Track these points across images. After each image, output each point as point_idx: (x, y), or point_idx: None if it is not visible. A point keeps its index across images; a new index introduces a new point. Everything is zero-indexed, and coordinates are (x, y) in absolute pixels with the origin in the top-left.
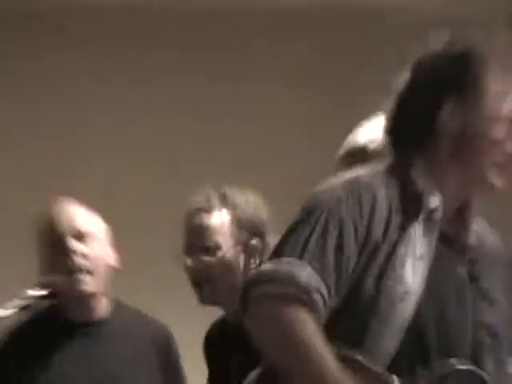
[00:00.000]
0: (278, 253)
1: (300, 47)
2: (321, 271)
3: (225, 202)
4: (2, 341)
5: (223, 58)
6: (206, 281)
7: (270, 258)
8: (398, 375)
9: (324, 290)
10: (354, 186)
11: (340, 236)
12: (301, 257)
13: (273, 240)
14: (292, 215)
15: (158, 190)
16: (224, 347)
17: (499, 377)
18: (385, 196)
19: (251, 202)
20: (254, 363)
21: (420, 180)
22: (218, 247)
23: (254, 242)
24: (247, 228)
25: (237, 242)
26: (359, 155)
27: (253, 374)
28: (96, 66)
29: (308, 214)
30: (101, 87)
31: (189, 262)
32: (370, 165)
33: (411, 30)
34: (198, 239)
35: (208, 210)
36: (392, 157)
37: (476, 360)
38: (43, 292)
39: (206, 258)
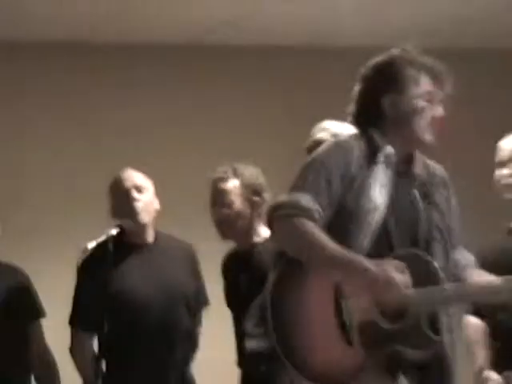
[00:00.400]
0: (292, 188)
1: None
2: (316, 197)
3: (235, 173)
4: (90, 254)
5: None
6: (225, 224)
7: (291, 190)
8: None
9: (319, 209)
10: (336, 143)
11: (328, 175)
12: (302, 190)
13: (269, 197)
14: (281, 182)
15: (192, 167)
16: (235, 269)
17: (445, 263)
18: (357, 148)
19: (253, 173)
20: (255, 280)
21: (377, 139)
22: (231, 203)
23: (256, 198)
24: (251, 190)
25: (244, 199)
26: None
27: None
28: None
29: (308, 165)
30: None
31: (215, 211)
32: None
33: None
34: (219, 198)
35: (225, 178)
36: (361, 131)
37: (428, 250)
38: (117, 229)
39: (225, 210)
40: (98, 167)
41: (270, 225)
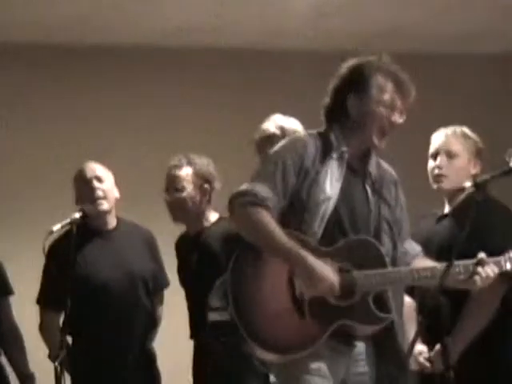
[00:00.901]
0: (251, 179)
1: None
2: (273, 188)
3: (189, 162)
4: (57, 239)
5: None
6: (177, 208)
7: (251, 180)
8: (325, 246)
9: (274, 199)
10: (294, 139)
11: (284, 168)
12: (261, 180)
13: (218, 185)
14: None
15: (150, 156)
16: (186, 250)
17: (393, 252)
18: (313, 144)
19: (205, 162)
20: (204, 260)
21: (334, 136)
22: (183, 188)
23: (206, 186)
24: (202, 178)
25: (195, 186)
26: (269, 139)
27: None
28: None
29: (268, 159)
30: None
31: (168, 196)
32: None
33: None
34: (172, 183)
35: (178, 166)
36: (325, 126)
37: (377, 238)
38: (80, 213)
39: (177, 194)
40: (64, 156)
41: (230, 210)
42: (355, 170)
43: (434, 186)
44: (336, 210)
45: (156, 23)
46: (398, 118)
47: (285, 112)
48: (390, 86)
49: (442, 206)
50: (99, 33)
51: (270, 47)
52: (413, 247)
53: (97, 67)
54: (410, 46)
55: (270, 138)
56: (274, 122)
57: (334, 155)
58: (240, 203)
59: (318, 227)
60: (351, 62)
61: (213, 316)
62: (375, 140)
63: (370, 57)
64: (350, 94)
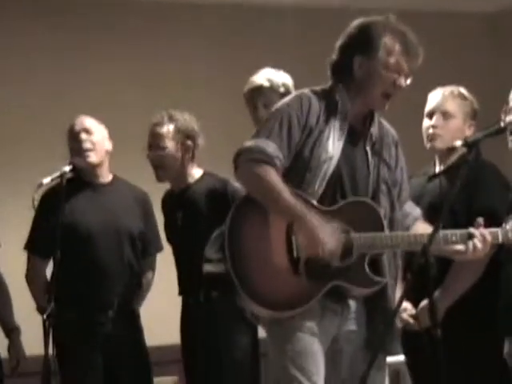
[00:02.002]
0: (255, 135)
1: None
2: (278, 145)
3: (171, 118)
4: (49, 189)
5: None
6: (159, 166)
7: (254, 136)
8: (324, 206)
9: (280, 156)
10: (298, 96)
11: (289, 124)
12: (267, 137)
13: (202, 142)
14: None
15: (135, 110)
16: (172, 207)
17: (391, 215)
18: (318, 102)
19: (188, 119)
20: (189, 217)
21: (338, 95)
22: (165, 146)
23: (189, 143)
24: (184, 135)
25: (177, 143)
26: (257, 90)
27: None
28: None
29: (273, 115)
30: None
31: (150, 154)
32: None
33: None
34: (154, 141)
35: (160, 123)
36: (331, 84)
37: (375, 200)
38: (70, 167)
39: (159, 152)
40: (57, 108)
41: (235, 166)
42: (357, 131)
43: (428, 145)
44: (337, 170)
45: None
46: (404, 81)
47: (274, 66)
48: (397, 48)
49: (433, 166)
50: None
51: (262, 2)
52: (413, 210)
53: (91, 19)
54: (400, 3)
55: (258, 90)
56: (263, 75)
57: (338, 115)
58: (247, 160)
59: (319, 187)
60: (359, 22)
61: (208, 267)
62: (379, 102)
63: (377, 17)
64: (356, 54)
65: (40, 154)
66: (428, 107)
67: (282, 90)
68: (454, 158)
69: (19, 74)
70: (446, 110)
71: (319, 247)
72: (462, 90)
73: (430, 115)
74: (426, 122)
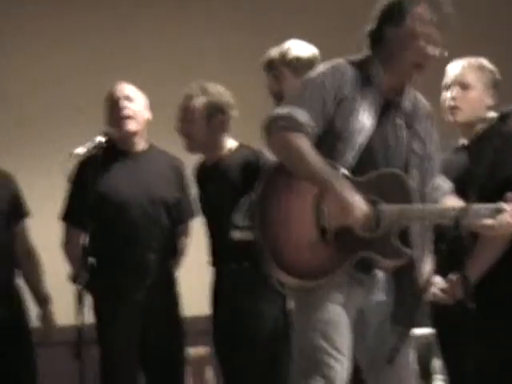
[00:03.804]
0: (287, 102)
1: None
2: (311, 113)
3: (203, 91)
4: (84, 159)
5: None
6: (189, 138)
7: (285, 104)
8: (355, 175)
9: (313, 125)
10: (332, 65)
11: (323, 94)
12: (300, 105)
13: (235, 113)
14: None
15: (171, 87)
16: (204, 179)
17: (420, 188)
18: (352, 72)
19: (220, 91)
20: (222, 190)
21: (373, 67)
22: (194, 119)
23: (220, 115)
24: (216, 107)
25: (208, 115)
26: (268, 63)
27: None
28: None
29: (305, 84)
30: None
31: (180, 127)
32: (349, 56)
33: None
34: (185, 114)
35: (192, 96)
36: (367, 54)
37: (406, 172)
38: (105, 137)
39: (189, 125)
40: (90, 79)
41: (266, 133)
42: (390, 103)
43: (449, 119)
44: (369, 141)
45: None
46: (435, 51)
47: (302, 36)
48: (427, 17)
49: (458, 138)
50: None
51: None
52: (444, 183)
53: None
54: None
55: (269, 63)
56: (277, 48)
57: (372, 87)
58: (277, 127)
59: (351, 157)
60: None
61: (236, 234)
62: (409, 72)
63: None
64: (388, 22)
65: (71, 126)
66: (446, 79)
67: (295, 63)
68: (478, 130)
69: (49, 50)
70: (463, 80)
71: (348, 214)
72: (482, 61)
73: (448, 87)
74: (445, 94)
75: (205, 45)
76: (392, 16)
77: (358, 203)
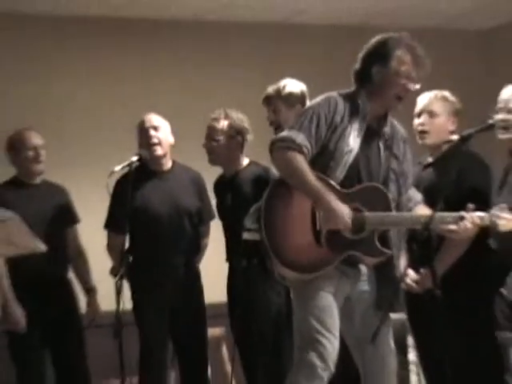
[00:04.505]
0: (289, 128)
1: None
2: (308, 137)
3: (226, 116)
4: (122, 176)
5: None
6: (212, 154)
7: (288, 129)
8: (344, 188)
9: (308, 146)
10: (326, 97)
11: (318, 121)
12: (299, 130)
13: (250, 137)
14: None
15: (195, 113)
16: (223, 189)
17: (398, 200)
18: (343, 103)
19: (240, 117)
20: (238, 198)
21: (360, 99)
22: (218, 139)
23: (239, 137)
24: (235, 130)
25: (229, 137)
26: (266, 99)
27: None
28: None
29: (305, 112)
30: None
31: (205, 143)
32: (342, 90)
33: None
34: (210, 133)
35: (217, 119)
36: (354, 88)
37: (386, 186)
38: (137, 157)
39: (213, 143)
40: (125, 110)
41: (271, 152)
42: (373, 129)
43: (419, 141)
44: (355, 160)
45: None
46: (413, 86)
47: (300, 77)
48: (408, 59)
49: (427, 157)
50: (155, 9)
51: (291, 23)
52: (415, 195)
53: (153, 39)
54: (408, 22)
55: (267, 98)
56: (274, 85)
57: (359, 116)
58: (279, 147)
59: (340, 173)
60: (378, 37)
61: (246, 235)
62: (392, 103)
63: (393, 34)
64: (374, 63)
65: (111, 146)
66: (417, 108)
67: (288, 98)
68: (443, 150)
69: (97, 78)
70: (431, 109)
71: (336, 220)
72: (446, 93)
73: (419, 115)
74: (416, 121)
75: (221, 80)
76: (378, 57)
77: (344, 211)
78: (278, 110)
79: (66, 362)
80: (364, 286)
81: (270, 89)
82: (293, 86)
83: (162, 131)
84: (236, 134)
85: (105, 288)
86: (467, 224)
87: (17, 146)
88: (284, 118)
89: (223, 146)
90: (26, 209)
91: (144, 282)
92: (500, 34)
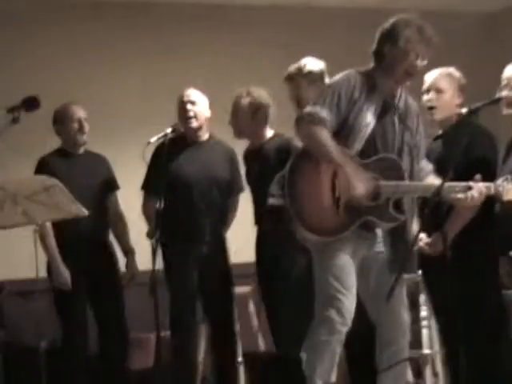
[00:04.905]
0: (314, 103)
1: None
2: (330, 112)
3: (248, 93)
4: (160, 144)
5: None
6: (237, 129)
7: (312, 104)
8: (362, 159)
9: (330, 120)
10: (346, 75)
11: (339, 96)
12: (322, 105)
13: (273, 111)
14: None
15: (226, 92)
16: (250, 160)
17: (411, 169)
18: (361, 80)
19: (261, 94)
20: (263, 168)
21: (377, 76)
22: (241, 115)
23: (261, 112)
24: (257, 106)
25: (252, 112)
26: (289, 77)
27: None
28: None
29: (326, 90)
30: None
31: (231, 120)
32: (361, 67)
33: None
34: (234, 110)
35: (240, 96)
36: (372, 66)
37: (400, 157)
38: (171, 129)
39: (237, 119)
40: (166, 81)
41: (297, 126)
42: (388, 104)
43: (428, 117)
44: (372, 133)
45: None
46: (421, 63)
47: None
48: (415, 38)
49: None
50: None
51: (310, 5)
52: (426, 165)
53: (188, 22)
54: (419, 4)
55: (289, 76)
56: (295, 64)
57: (375, 92)
58: (305, 122)
59: (359, 145)
60: (391, 19)
61: (272, 200)
62: (402, 79)
63: (404, 15)
64: (386, 43)
65: (148, 119)
66: (425, 86)
67: (309, 75)
68: (452, 122)
69: (139, 60)
70: (438, 86)
71: (356, 187)
72: (451, 70)
73: (427, 91)
74: (424, 97)
75: (250, 60)
76: (389, 38)
77: (360, 181)
78: (299, 87)
79: (106, 318)
80: (379, 247)
81: (292, 67)
82: (313, 64)
83: (199, 105)
84: (258, 109)
85: (142, 249)
86: (474, 193)
87: (62, 119)
88: (305, 93)
89: (245, 122)
90: (72, 177)
91: (174, 244)
92: (507, 16)
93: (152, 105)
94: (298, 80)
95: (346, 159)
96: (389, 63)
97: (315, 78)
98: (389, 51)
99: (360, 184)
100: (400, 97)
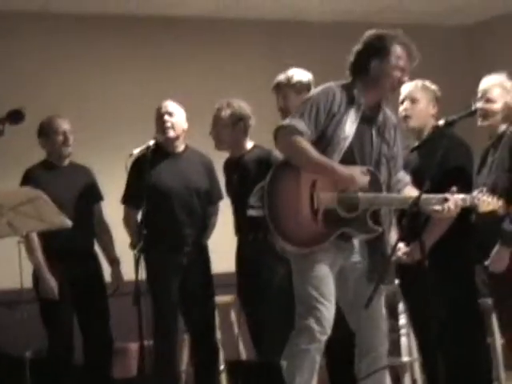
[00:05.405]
0: (292, 116)
1: None
2: (308, 124)
3: (228, 105)
4: (139, 156)
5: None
6: (217, 140)
7: (290, 117)
8: None
9: (308, 133)
10: (325, 88)
11: (317, 109)
12: (300, 118)
13: (253, 122)
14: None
15: (208, 103)
16: (230, 170)
17: (388, 180)
18: (340, 93)
19: (242, 106)
20: (243, 178)
21: (356, 90)
22: (222, 126)
23: (241, 123)
24: (237, 117)
25: (232, 123)
26: (277, 87)
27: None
28: None
29: (305, 101)
30: None
31: (211, 131)
32: (339, 81)
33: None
34: (215, 122)
35: (220, 109)
36: (351, 80)
37: (377, 169)
38: (153, 141)
39: (218, 130)
40: (145, 95)
41: (275, 138)
42: (367, 117)
43: (403, 126)
44: (350, 146)
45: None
46: (405, 78)
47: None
48: (404, 55)
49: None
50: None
51: (294, 20)
52: (404, 177)
53: (168, 35)
54: (401, 18)
55: (277, 86)
56: (283, 74)
57: (354, 105)
58: (283, 133)
59: (337, 157)
60: (374, 33)
61: (251, 212)
62: (387, 93)
63: (386, 30)
64: (372, 57)
65: (130, 131)
66: (401, 96)
67: (297, 86)
68: (427, 134)
69: (120, 73)
70: (413, 96)
71: (353, 181)
72: (426, 82)
73: (402, 102)
74: (400, 108)
75: (233, 72)
76: (376, 52)
77: (355, 172)
78: (286, 97)
79: (91, 327)
80: (356, 257)
81: (281, 77)
82: (301, 74)
83: (176, 116)
84: (238, 121)
85: (127, 259)
86: (450, 205)
87: (47, 131)
88: (292, 104)
89: (226, 133)
90: (57, 188)
91: (156, 254)
92: (485, 29)
93: (137, 116)
94: (286, 90)
95: (330, 160)
96: (374, 77)
97: (303, 88)
98: (376, 66)
99: (358, 173)
100: (379, 110)
